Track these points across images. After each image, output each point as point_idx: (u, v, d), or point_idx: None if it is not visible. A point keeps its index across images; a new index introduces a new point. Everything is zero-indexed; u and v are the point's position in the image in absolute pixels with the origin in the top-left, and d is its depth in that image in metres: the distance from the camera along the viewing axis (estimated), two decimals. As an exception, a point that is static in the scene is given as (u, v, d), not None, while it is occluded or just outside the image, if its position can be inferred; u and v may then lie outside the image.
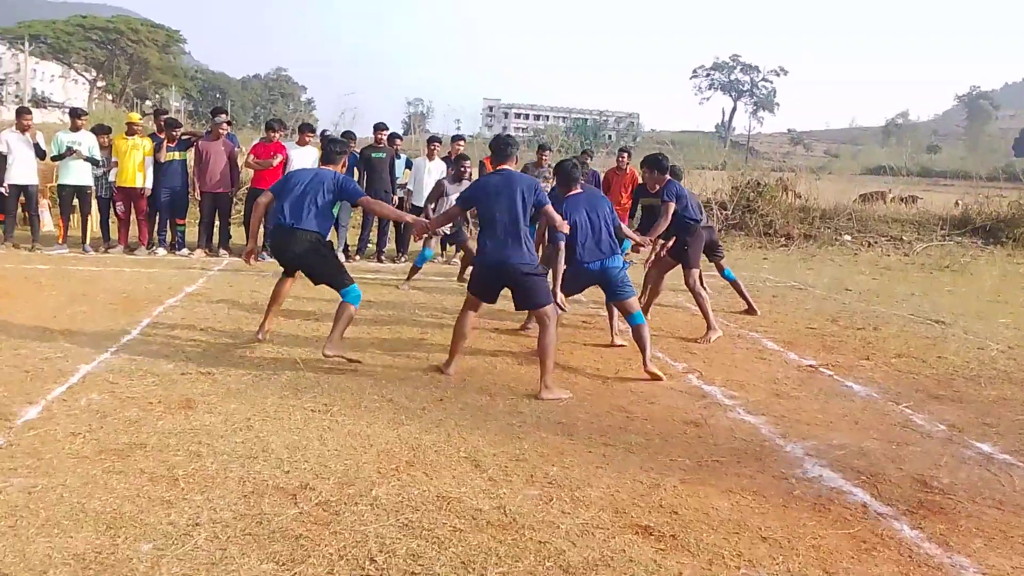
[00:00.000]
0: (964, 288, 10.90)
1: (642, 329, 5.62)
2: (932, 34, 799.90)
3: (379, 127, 11.13)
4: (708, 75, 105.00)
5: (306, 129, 11.00)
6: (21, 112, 10.48)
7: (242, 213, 11.37)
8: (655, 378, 5.54)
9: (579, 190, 5.87)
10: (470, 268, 7.06)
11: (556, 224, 5.40)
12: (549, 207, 5.32)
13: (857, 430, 4.76)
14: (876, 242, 15.69)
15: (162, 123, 10.68)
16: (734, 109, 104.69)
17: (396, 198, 11.13)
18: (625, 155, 12.06)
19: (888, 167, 29.15)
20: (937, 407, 5.28)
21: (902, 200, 19.18)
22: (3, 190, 9.93)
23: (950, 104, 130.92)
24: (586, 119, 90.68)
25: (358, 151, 10.93)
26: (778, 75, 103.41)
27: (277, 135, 10.58)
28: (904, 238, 15.90)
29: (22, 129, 10.03)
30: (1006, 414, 5.16)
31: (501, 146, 5.43)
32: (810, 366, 6.22)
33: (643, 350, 5.61)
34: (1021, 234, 15.93)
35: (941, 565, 3.13)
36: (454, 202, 6.34)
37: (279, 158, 10.36)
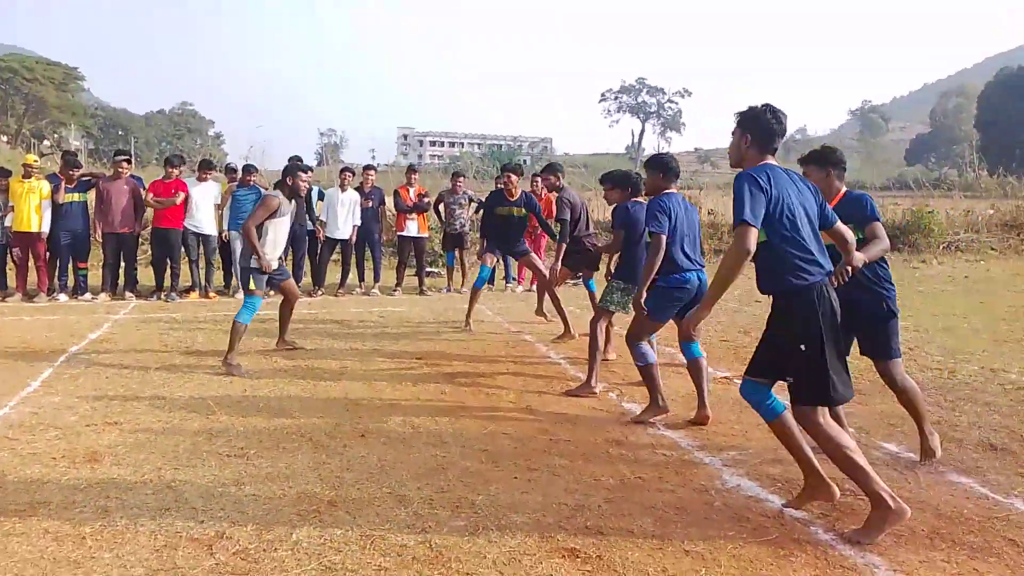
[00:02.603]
0: (866, 294, 11.36)
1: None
2: (824, 51, 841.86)
3: (292, 160, 10.97)
4: (616, 98, 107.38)
5: (205, 166, 10.80)
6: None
7: (149, 254, 10.98)
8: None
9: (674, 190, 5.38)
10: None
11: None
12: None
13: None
14: (783, 254, 16.26)
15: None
16: (642, 131, 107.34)
17: (314, 230, 10.99)
18: (540, 179, 12.17)
19: (790, 181, 30.40)
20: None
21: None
22: None
23: (844, 119, 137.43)
24: (500, 145, 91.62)
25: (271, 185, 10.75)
26: (683, 96, 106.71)
27: (177, 171, 10.31)
28: (808, 248, 16.54)
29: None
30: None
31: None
32: (724, 378, 6.40)
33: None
34: (916, 240, 16.80)
35: (855, 566, 3.23)
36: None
37: (182, 196, 10.10)
